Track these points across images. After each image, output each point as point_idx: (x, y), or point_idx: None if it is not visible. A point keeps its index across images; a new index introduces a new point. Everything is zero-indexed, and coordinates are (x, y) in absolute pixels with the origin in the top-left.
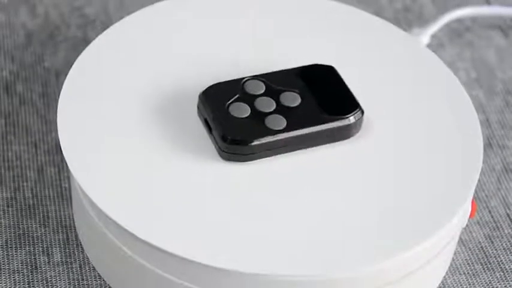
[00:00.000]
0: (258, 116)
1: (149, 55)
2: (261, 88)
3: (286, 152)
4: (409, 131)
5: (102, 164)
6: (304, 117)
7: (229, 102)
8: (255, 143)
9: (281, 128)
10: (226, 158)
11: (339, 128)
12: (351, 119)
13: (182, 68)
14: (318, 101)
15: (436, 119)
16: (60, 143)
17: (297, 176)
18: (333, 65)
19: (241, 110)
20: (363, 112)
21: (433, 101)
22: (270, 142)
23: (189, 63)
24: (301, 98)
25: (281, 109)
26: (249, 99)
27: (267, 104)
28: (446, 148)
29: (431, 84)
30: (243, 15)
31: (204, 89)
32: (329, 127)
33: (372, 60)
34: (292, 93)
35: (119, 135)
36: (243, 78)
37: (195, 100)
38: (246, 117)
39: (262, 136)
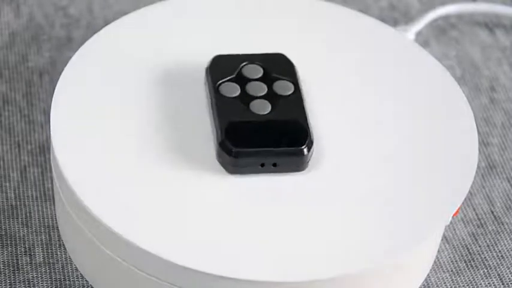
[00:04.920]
0: (242, 81)
1: (143, 56)
2: (285, 89)
3: None
4: (402, 130)
5: (94, 166)
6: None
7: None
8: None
9: (230, 95)
10: None
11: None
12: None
13: (175, 70)
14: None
15: (430, 117)
16: (52, 139)
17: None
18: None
19: (250, 73)
20: (234, 155)
21: (427, 98)
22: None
23: (181, 65)
24: (269, 111)
25: (251, 95)
26: (266, 80)
27: (257, 88)
28: (440, 151)
29: (423, 80)
30: (228, 16)
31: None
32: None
33: (362, 57)
34: (266, 103)
35: (110, 136)
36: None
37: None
38: (242, 77)
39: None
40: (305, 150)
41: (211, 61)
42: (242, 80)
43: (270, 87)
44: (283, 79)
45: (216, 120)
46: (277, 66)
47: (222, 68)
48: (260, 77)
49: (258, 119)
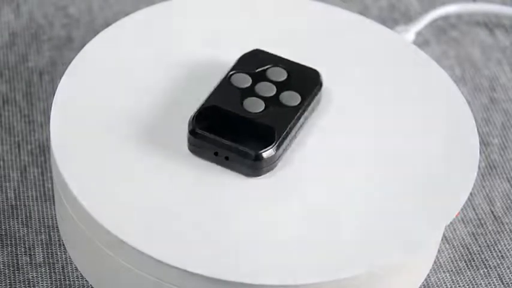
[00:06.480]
0: (256, 78)
1: (144, 57)
2: (290, 100)
3: None
4: (402, 131)
5: (93, 167)
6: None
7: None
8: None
9: (235, 85)
10: None
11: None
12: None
13: (175, 71)
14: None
15: (429, 121)
16: (51, 139)
17: None
18: None
19: (272, 74)
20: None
21: (425, 100)
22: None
23: (182, 66)
24: (257, 112)
25: (255, 92)
26: (280, 86)
27: (265, 89)
28: (440, 152)
29: (421, 82)
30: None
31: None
32: None
33: (359, 59)
34: (262, 104)
35: (110, 137)
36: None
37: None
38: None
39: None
40: (262, 154)
41: (247, 52)
42: (257, 77)
43: (278, 93)
44: (297, 92)
45: (204, 100)
46: (303, 79)
47: (252, 61)
48: (277, 81)
49: (238, 113)
